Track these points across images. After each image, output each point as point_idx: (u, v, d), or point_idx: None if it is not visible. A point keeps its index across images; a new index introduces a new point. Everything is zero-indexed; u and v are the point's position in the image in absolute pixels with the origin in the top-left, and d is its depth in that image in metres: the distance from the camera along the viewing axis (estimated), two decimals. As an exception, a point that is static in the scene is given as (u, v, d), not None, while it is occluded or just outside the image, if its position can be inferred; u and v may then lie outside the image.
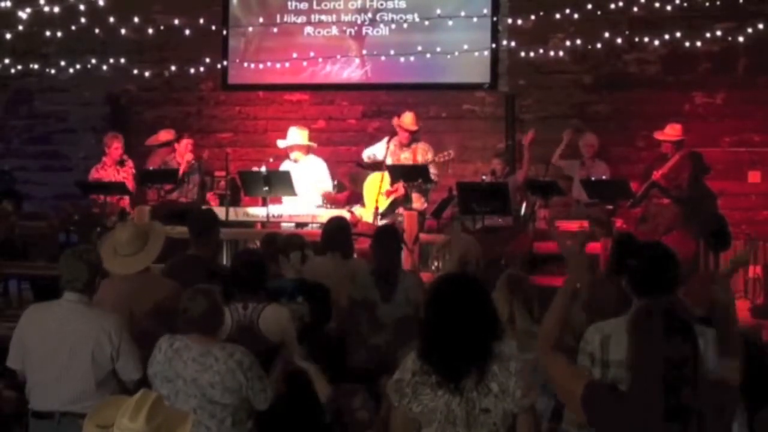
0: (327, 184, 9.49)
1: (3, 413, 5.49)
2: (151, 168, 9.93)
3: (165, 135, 10.19)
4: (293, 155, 9.57)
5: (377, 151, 9.48)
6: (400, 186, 9.06)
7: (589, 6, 9.98)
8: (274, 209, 8.82)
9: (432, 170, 9.05)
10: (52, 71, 11.24)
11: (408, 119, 9.37)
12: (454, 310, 3.33)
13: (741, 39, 9.84)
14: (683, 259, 7.58)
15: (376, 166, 9.38)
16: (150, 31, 10.74)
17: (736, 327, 3.26)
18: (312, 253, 5.85)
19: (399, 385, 3.36)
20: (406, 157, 9.29)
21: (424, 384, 3.32)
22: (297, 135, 9.64)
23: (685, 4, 9.83)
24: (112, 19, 10.50)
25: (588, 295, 4.65)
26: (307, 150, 9.61)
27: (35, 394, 4.59)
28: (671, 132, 9.32)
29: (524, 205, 9.18)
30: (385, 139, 9.49)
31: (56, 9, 9.86)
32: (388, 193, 9.08)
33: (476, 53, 10.45)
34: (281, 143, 9.71)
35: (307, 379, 4.70)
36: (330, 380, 5.08)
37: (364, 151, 9.69)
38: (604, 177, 9.43)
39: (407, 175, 8.96)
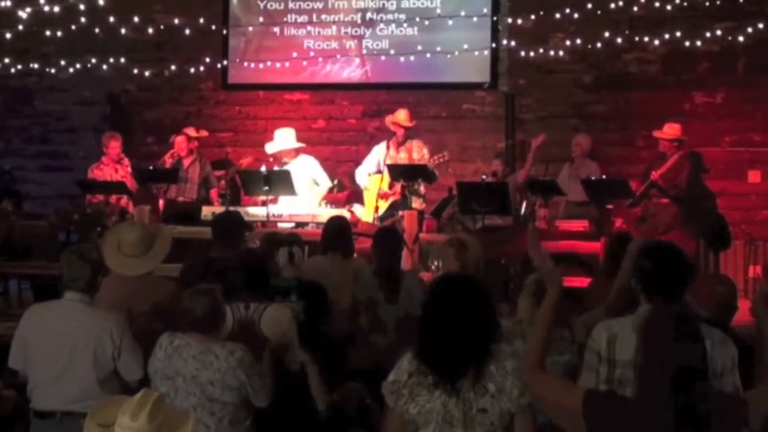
0: (325, 183, 9.39)
1: (3, 413, 5.48)
2: (151, 167, 9.92)
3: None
4: (283, 159, 9.47)
5: (374, 160, 9.38)
6: (397, 188, 9.03)
7: (590, 5, 9.99)
8: (271, 209, 8.79)
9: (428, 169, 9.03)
10: (52, 71, 11.25)
11: (402, 115, 9.33)
12: (453, 310, 3.32)
13: (741, 39, 9.86)
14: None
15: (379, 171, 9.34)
16: (150, 30, 10.75)
17: None
18: (300, 251, 5.82)
19: (395, 387, 3.36)
20: (402, 158, 9.26)
21: (420, 385, 3.31)
22: (283, 139, 9.48)
23: (686, 4, 9.84)
24: (112, 19, 10.51)
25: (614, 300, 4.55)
26: (296, 152, 9.44)
27: (37, 393, 4.59)
28: (670, 131, 9.31)
29: (524, 205, 9.18)
30: (381, 146, 9.40)
31: (56, 9, 9.87)
32: (386, 196, 9.06)
33: (476, 53, 10.46)
34: (269, 149, 9.50)
35: (302, 376, 4.70)
36: (329, 381, 5.07)
37: (358, 170, 9.51)
38: (593, 177, 9.40)
39: (407, 174, 8.94)
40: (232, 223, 6.13)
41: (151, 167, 9.89)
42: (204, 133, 10.31)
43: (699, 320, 3.71)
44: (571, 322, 4.59)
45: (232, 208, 8.82)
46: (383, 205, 9.02)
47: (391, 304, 5.74)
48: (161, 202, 9.58)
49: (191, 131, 10.12)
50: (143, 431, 2.60)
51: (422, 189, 9.09)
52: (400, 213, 8.73)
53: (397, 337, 5.57)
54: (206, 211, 8.85)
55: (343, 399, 4.86)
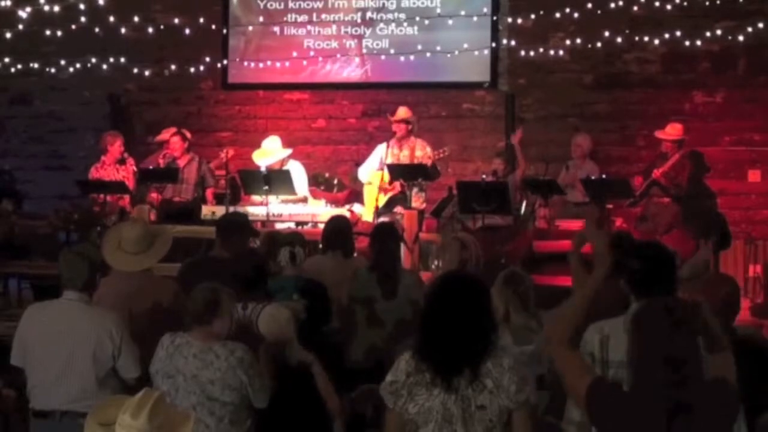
0: (300, 192, 9.20)
1: (3, 412, 5.49)
2: (151, 167, 9.90)
3: (166, 133, 10.15)
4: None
5: (377, 158, 9.35)
6: (397, 184, 9.03)
7: (590, 5, 9.98)
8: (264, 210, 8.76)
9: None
10: (52, 71, 11.23)
11: (401, 112, 9.33)
12: (454, 307, 3.35)
13: (741, 38, 9.85)
14: (683, 259, 7.61)
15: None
16: (150, 30, 10.74)
17: (714, 319, 3.23)
18: (301, 251, 5.82)
19: (394, 387, 3.37)
20: (405, 155, 9.24)
21: (419, 384, 3.33)
22: (272, 151, 9.43)
23: (685, 4, 9.83)
24: (112, 19, 10.50)
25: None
26: (282, 162, 9.36)
27: (36, 393, 4.59)
28: (672, 131, 9.33)
29: (524, 205, 9.19)
30: (383, 145, 9.38)
31: (56, 8, 9.86)
32: (386, 191, 9.05)
33: (476, 52, 10.45)
34: (261, 162, 9.37)
35: (308, 375, 4.69)
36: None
37: (361, 167, 9.50)
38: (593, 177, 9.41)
39: (407, 174, 8.94)
40: (233, 224, 6.13)
41: (151, 167, 9.88)
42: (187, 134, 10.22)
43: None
44: (539, 313, 4.64)
45: (231, 209, 8.84)
46: (382, 200, 9.01)
47: (388, 302, 5.74)
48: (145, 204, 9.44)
49: (170, 132, 10.03)
50: (144, 430, 2.60)
51: (423, 183, 9.08)
52: (398, 209, 8.74)
53: (395, 335, 5.56)
54: (206, 211, 8.85)
55: (360, 401, 4.87)
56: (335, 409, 4.53)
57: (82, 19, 10.41)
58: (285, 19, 11.11)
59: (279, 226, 8.71)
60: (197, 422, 4.00)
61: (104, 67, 11.11)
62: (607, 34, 10.12)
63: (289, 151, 9.54)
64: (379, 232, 6.16)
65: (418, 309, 5.40)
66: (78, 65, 11.08)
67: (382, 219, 8.56)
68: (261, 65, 10.99)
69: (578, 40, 10.24)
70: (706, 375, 2.95)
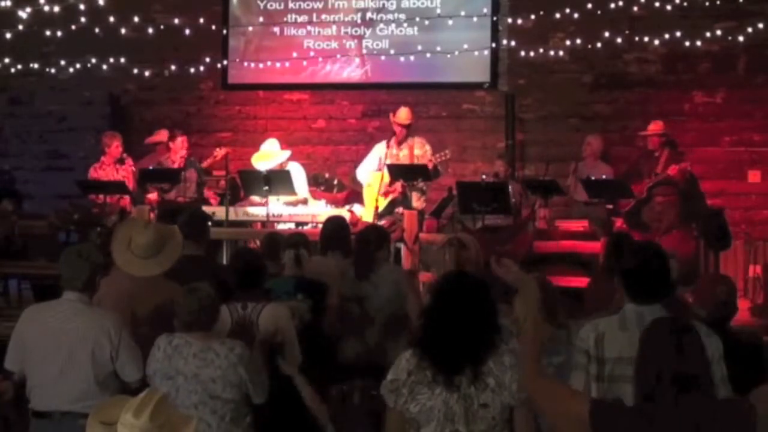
0: (301, 193, 9.23)
1: (3, 413, 5.48)
2: (151, 167, 9.88)
3: (161, 135, 10.14)
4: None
5: (375, 158, 9.35)
6: (398, 186, 9.03)
7: (590, 5, 9.98)
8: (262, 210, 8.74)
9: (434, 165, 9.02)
10: (52, 71, 11.23)
11: (402, 114, 9.27)
12: (456, 306, 3.37)
13: (741, 39, 9.85)
14: (683, 259, 7.61)
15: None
16: (150, 30, 10.73)
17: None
18: (306, 253, 5.81)
19: (394, 386, 3.37)
20: (404, 154, 9.23)
21: (420, 383, 3.34)
22: (269, 157, 9.40)
23: (685, 4, 9.83)
24: (112, 19, 10.49)
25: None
26: (281, 165, 9.34)
27: (35, 393, 4.57)
28: (655, 127, 9.35)
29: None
30: (382, 144, 9.38)
31: (56, 9, 9.86)
32: (386, 194, 9.06)
33: (476, 53, 10.45)
34: (258, 166, 9.34)
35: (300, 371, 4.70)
36: (324, 379, 5.07)
37: (359, 168, 9.49)
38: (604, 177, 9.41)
39: (406, 174, 8.94)
40: (192, 220, 6.04)
41: (151, 167, 9.86)
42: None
43: (694, 318, 3.70)
44: (568, 323, 4.59)
45: (231, 209, 8.85)
46: (383, 202, 9.01)
47: (365, 281, 5.72)
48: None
49: (163, 134, 10.04)
50: (145, 429, 2.60)
51: (423, 186, 9.07)
52: (400, 210, 8.73)
53: (383, 331, 5.56)
54: (208, 212, 8.82)
55: (349, 391, 4.88)
56: (322, 419, 4.52)
57: (82, 19, 10.40)
58: (285, 19, 11.11)
59: (279, 226, 8.72)
60: (199, 421, 4.01)
61: (104, 67, 11.11)
62: (607, 34, 10.12)
63: (288, 154, 9.53)
64: (359, 234, 6.19)
65: (404, 304, 5.54)
66: (78, 65, 11.08)
67: (383, 221, 8.56)
68: (261, 65, 10.99)
69: (578, 41, 10.24)
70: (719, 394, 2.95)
